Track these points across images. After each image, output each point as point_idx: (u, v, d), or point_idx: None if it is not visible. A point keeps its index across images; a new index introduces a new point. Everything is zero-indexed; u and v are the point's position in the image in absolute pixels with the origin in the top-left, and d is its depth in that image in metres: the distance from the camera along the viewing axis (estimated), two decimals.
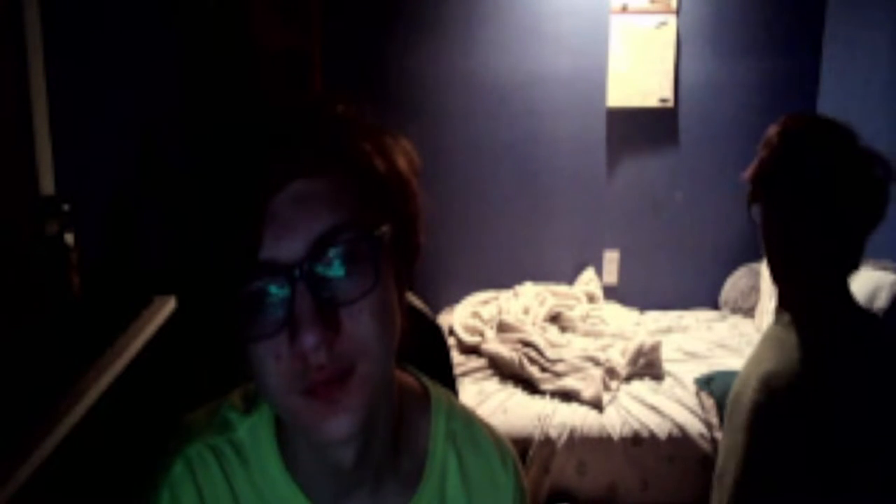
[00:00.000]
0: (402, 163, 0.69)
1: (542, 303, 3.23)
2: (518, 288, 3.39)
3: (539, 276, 3.46)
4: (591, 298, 3.37)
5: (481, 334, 3.04)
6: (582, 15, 3.29)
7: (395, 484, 0.76)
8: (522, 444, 2.51)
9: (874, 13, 3.01)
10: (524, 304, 3.22)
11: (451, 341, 3.03)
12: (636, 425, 2.53)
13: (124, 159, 2.01)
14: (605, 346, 2.93)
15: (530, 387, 2.73)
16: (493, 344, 2.91)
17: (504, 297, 3.34)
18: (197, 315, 0.65)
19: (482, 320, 3.15)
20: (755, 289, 3.31)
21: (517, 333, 2.94)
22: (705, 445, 2.50)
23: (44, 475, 1.15)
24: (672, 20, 3.27)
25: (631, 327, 3.18)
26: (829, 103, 3.27)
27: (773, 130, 1.32)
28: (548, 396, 2.67)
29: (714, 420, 2.53)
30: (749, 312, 3.34)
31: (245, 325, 0.61)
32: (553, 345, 2.90)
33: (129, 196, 1.96)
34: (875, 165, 1.24)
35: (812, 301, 1.30)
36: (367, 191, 0.64)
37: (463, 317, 3.16)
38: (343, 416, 0.62)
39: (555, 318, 3.17)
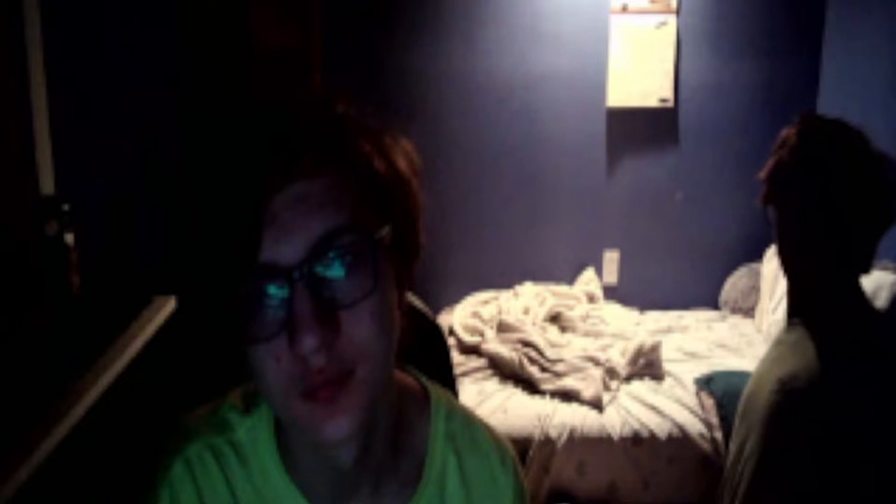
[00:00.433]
0: (402, 163, 0.68)
1: (542, 303, 3.23)
2: (518, 288, 3.39)
3: (539, 276, 3.46)
4: (591, 298, 3.37)
5: (481, 334, 3.04)
6: (582, 15, 3.29)
7: (395, 484, 0.76)
8: (522, 444, 2.51)
9: (874, 13, 3.01)
10: (524, 304, 3.22)
11: (451, 341, 3.02)
12: (636, 425, 2.53)
13: (124, 159, 2.01)
14: (605, 346, 2.93)
15: (530, 387, 2.73)
16: (493, 344, 2.91)
17: (504, 297, 3.34)
18: (197, 315, 0.65)
19: (482, 320, 3.15)
20: (755, 289, 3.31)
21: (517, 333, 2.94)
22: (705, 445, 2.50)
23: (44, 475, 1.15)
24: (672, 20, 3.27)
25: (631, 327, 3.18)
26: (829, 103, 3.27)
27: (790, 131, 1.31)
28: (548, 396, 2.67)
29: (714, 420, 2.53)
30: (749, 312, 3.34)
31: (245, 326, 0.61)
32: (553, 345, 2.90)
33: (129, 196, 1.96)
34: (888, 168, 1.24)
35: (827, 302, 1.30)
36: (367, 192, 0.64)
37: (463, 317, 3.16)
38: (342, 417, 0.62)
39: (555, 318, 3.17)
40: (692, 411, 2.58)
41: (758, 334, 3.14)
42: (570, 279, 3.49)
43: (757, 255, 3.31)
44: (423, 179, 0.71)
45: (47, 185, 1.55)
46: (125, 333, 1.56)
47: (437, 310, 3.35)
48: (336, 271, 0.61)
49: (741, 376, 2.43)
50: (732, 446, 1.28)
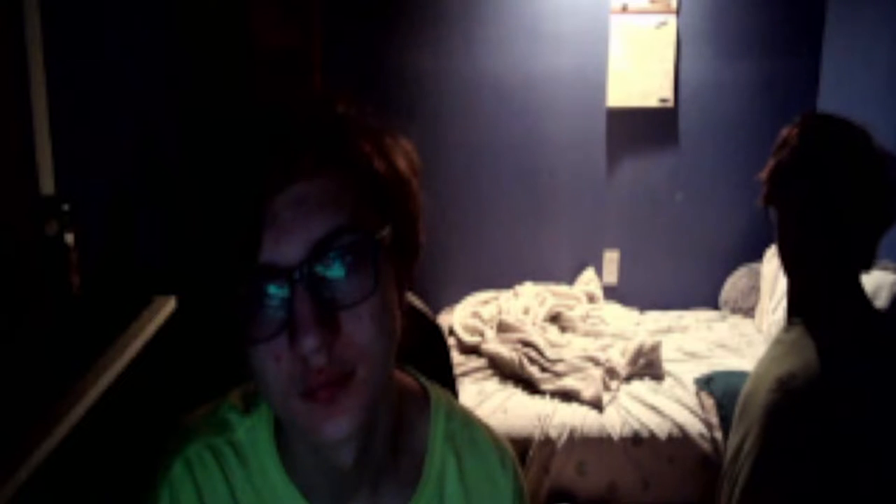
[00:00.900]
0: (402, 163, 0.68)
1: (542, 303, 3.23)
2: (518, 288, 3.39)
3: (539, 276, 3.46)
4: (591, 298, 3.37)
5: (481, 334, 3.04)
6: (582, 15, 3.29)
7: (394, 485, 0.76)
8: (522, 444, 2.51)
9: (874, 14, 3.01)
10: (524, 304, 3.22)
11: (451, 341, 3.03)
12: (636, 425, 2.53)
13: (124, 159, 2.01)
14: (605, 346, 2.93)
15: (530, 387, 2.73)
16: (493, 344, 2.91)
17: (504, 297, 3.34)
18: (197, 315, 0.65)
19: (482, 320, 3.15)
20: (755, 289, 3.31)
21: (517, 333, 2.94)
22: (705, 445, 2.50)
23: (44, 475, 1.15)
24: (672, 20, 3.27)
25: (631, 327, 3.18)
26: (829, 103, 3.27)
27: (791, 130, 1.30)
28: (548, 396, 2.67)
29: (714, 420, 2.53)
30: (749, 312, 3.34)
31: (245, 326, 0.61)
32: (553, 345, 2.90)
33: (129, 196, 1.96)
34: (889, 167, 1.24)
35: (826, 301, 1.30)
36: (367, 192, 0.64)
37: (463, 317, 3.16)
38: (342, 418, 0.62)
39: (555, 318, 3.17)
40: (692, 411, 2.58)
41: (758, 334, 3.14)
42: (570, 279, 3.49)
43: (757, 255, 3.31)
44: (423, 179, 0.71)
45: (47, 185, 1.55)
46: (125, 333, 1.56)
47: (437, 310, 3.35)
48: (336, 272, 0.61)
49: (741, 376, 2.42)
50: (730, 444, 1.28)
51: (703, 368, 2.80)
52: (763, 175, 1.33)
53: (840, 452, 1.21)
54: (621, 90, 3.32)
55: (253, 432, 0.75)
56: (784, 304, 1.53)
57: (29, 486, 1.10)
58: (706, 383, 2.64)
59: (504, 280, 3.43)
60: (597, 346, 2.93)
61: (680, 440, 2.51)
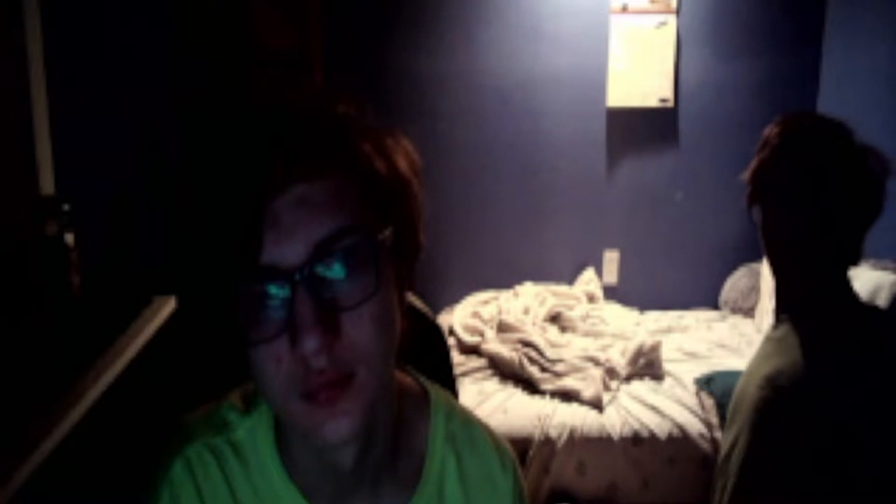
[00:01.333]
0: (402, 163, 0.68)
1: (542, 303, 3.23)
2: (518, 288, 3.39)
3: (539, 276, 3.46)
4: (591, 298, 3.37)
5: (481, 334, 3.04)
6: (582, 15, 3.29)
7: (394, 485, 0.76)
8: (522, 444, 2.51)
9: (874, 13, 3.01)
10: (524, 304, 3.22)
11: (451, 341, 3.03)
12: (636, 425, 2.53)
13: (124, 159, 2.01)
14: (605, 346, 2.93)
15: (530, 387, 2.73)
16: (493, 344, 2.91)
17: (504, 297, 3.34)
18: (197, 317, 0.65)
19: (482, 320, 3.15)
20: (755, 289, 3.31)
21: (517, 333, 2.94)
22: (705, 445, 2.50)
23: (44, 475, 1.15)
24: (672, 20, 3.27)
25: (631, 327, 3.18)
26: (829, 103, 3.27)
27: (771, 130, 1.31)
28: (548, 396, 2.67)
29: (714, 420, 2.53)
30: (749, 312, 3.34)
31: (245, 328, 0.61)
32: (553, 345, 2.90)
33: (129, 196, 1.96)
34: (871, 160, 1.24)
35: (814, 299, 1.31)
36: (367, 193, 0.64)
37: (463, 317, 3.16)
38: (343, 420, 0.62)
39: (555, 318, 3.17)
40: (692, 411, 2.58)
41: (758, 334, 3.14)
42: (570, 279, 3.49)
43: (757, 255, 3.31)
44: (423, 179, 0.71)
45: (47, 185, 1.55)
46: (125, 333, 1.56)
47: (437, 310, 3.35)
48: (337, 273, 0.61)
49: (741, 376, 2.42)
50: (723, 443, 1.29)
51: (703, 368, 2.80)
52: (746, 175, 1.34)
53: (830, 449, 1.22)
54: (621, 90, 3.32)
55: (253, 432, 0.75)
56: None
57: (29, 486, 1.10)
58: (706, 383, 2.64)
59: (504, 280, 3.43)
60: (597, 346, 2.93)
61: (680, 440, 2.51)
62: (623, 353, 2.84)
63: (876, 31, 2.99)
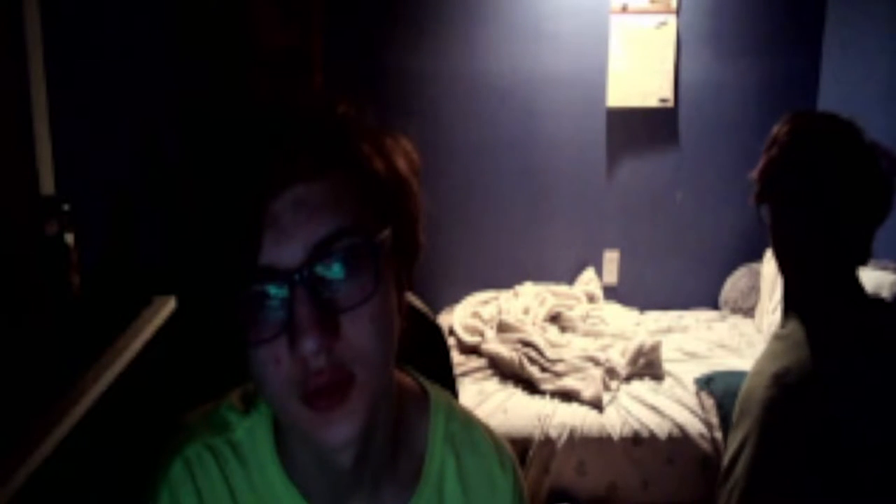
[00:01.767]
0: (402, 164, 0.68)
1: (542, 303, 3.23)
2: (518, 288, 3.39)
3: (539, 276, 3.46)
4: (591, 298, 3.37)
5: (481, 334, 3.04)
6: (582, 15, 3.29)
7: (394, 485, 0.76)
8: (522, 444, 2.51)
9: (874, 13, 3.01)
10: (524, 304, 3.22)
11: (451, 341, 3.02)
12: (636, 425, 2.53)
13: (124, 159, 2.01)
14: (605, 346, 2.93)
15: (530, 387, 2.73)
16: (493, 344, 2.91)
17: (504, 297, 3.34)
18: (197, 317, 0.65)
19: (482, 320, 3.15)
20: (755, 289, 3.31)
21: (517, 333, 2.94)
22: (705, 445, 2.50)
23: (44, 475, 1.15)
24: (672, 20, 3.27)
25: (631, 327, 3.18)
26: (829, 103, 3.27)
27: (781, 129, 1.31)
28: (548, 396, 2.67)
29: (714, 420, 2.53)
30: (749, 312, 3.34)
31: (245, 328, 0.61)
32: (553, 345, 2.90)
33: (129, 196, 1.96)
34: (881, 159, 1.24)
35: (822, 297, 1.30)
36: (367, 193, 0.64)
37: (463, 317, 3.16)
38: (343, 423, 0.62)
39: (555, 318, 3.17)
40: (692, 411, 2.58)
41: (758, 334, 3.14)
42: (570, 279, 3.49)
43: (757, 255, 3.31)
44: (423, 179, 0.70)
45: (47, 185, 1.55)
46: (125, 334, 1.56)
47: (437, 310, 3.35)
48: (336, 274, 0.61)
49: (741, 376, 2.41)
50: (730, 443, 1.28)
51: (703, 368, 2.80)
52: (754, 173, 1.33)
53: (837, 446, 1.21)
54: (621, 90, 3.32)
55: (252, 432, 0.75)
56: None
57: (29, 485, 1.10)
58: (706, 383, 2.64)
59: (504, 280, 3.43)
60: (597, 346, 2.93)
61: (680, 440, 2.51)
62: (623, 353, 2.84)
63: (875, 30, 2.99)
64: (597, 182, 3.44)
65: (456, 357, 2.95)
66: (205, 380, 0.97)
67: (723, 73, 3.35)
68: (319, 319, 0.59)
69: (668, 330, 3.23)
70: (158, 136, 2.17)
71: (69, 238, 1.54)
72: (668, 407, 2.60)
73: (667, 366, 2.85)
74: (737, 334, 3.17)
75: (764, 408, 1.21)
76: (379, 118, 0.69)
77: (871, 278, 2.57)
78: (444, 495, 0.78)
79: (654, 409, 2.59)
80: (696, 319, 3.35)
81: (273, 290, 0.60)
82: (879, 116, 2.86)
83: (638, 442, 2.52)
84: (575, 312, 3.20)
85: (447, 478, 0.78)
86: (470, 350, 3.00)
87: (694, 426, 2.53)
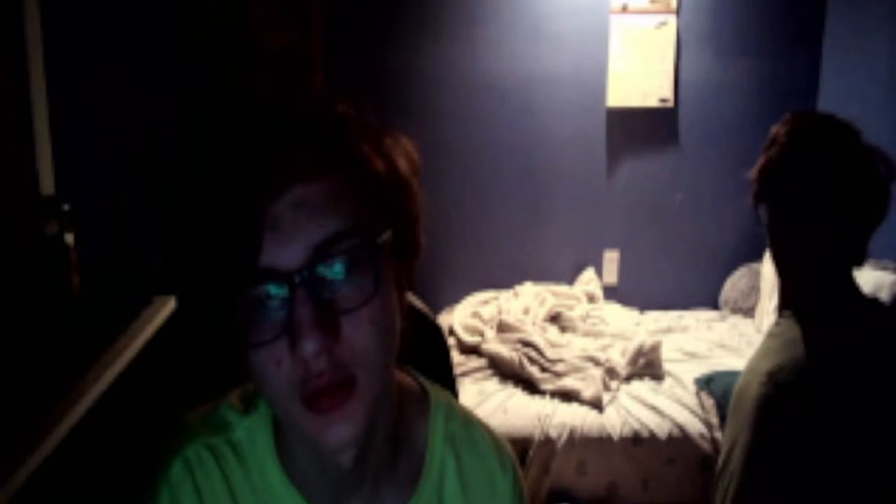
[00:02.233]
0: (402, 164, 0.68)
1: (542, 303, 3.23)
2: (518, 288, 3.38)
3: (539, 276, 3.46)
4: (591, 298, 3.37)
5: (481, 334, 3.04)
6: (582, 15, 3.29)
7: (394, 485, 0.75)
8: (522, 444, 2.51)
9: (874, 14, 3.01)
10: (524, 304, 3.22)
11: (451, 341, 3.02)
12: (636, 425, 2.53)
13: (124, 159, 2.01)
14: (605, 346, 2.93)
15: (530, 387, 2.73)
16: (493, 344, 2.91)
17: (504, 297, 3.33)
18: (197, 318, 0.65)
19: (482, 320, 3.15)
20: (755, 289, 3.31)
21: (517, 333, 2.94)
22: (705, 445, 2.50)
23: (44, 475, 1.15)
24: (672, 20, 3.27)
25: (631, 327, 3.18)
26: (829, 103, 3.27)
27: (780, 129, 1.31)
28: (548, 396, 2.67)
29: (714, 420, 2.53)
30: (749, 312, 3.34)
31: (245, 330, 0.61)
32: (553, 345, 2.90)
33: (129, 196, 1.96)
34: (879, 162, 1.24)
35: (817, 297, 1.31)
36: (367, 193, 0.64)
37: (463, 317, 3.16)
38: (343, 424, 0.62)
39: (555, 318, 3.17)
40: (692, 411, 2.58)
41: (758, 334, 3.14)
42: (570, 279, 3.49)
43: (757, 255, 3.31)
44: (423, 179, 0.70)
45: (47, 185, 1.55)
46: (125, 333, 1.56)
47: (437, 310, 3.35)
48: (337, 275, 0.61)
49: (742, 373, 2.43)
50: (725, 440, 1.29)
51: (703, 368, 2.80)
52: (753, 173, 1.34)
53: (831, 445, 1.22)
54: (621, 90, 3.32)
55: (252, 432, 0.75)
56: None
57: (29, 485, 1.10)
58: (706, 383, 2.64)
59: (504, 280, 3.43)
60: (597, 346, 2.92)
61: (680, 440, 2.51)
62: (623, 353, 2.84)
63: (876, 30, 2.99)
64: (597, 182, 3.44)
65: (456, 357, 2.94)
66: (205, 380, 0.97)
67: (723, 73, 3.35)
68: (320, 321, 0.59)
69: (668, 330, 3.23)
70: (158, 137, 2.17)
71: (69, 238, 1.54)
72: (668, 407, 2.60)
73: (667, 366, 2.85)
74: (737, 334, 3.17)
75: (756, 406, 1.22)
76: (379, 118, 0.69)
77: (871, 278, 2.57)
78: (444, 495, 0.78)
79: (654, 409, 2.59)
80: (696, 319, 3.35)
81: (273, 291, 0.60)
82: (879, 116, 2.86)
83: (638, 442, 2.52)
84: (575, 312, 3.20)
85: (447, 478, 0.78)
86: (470, 350, 3.00)
87: (694, 426, 2.53)
